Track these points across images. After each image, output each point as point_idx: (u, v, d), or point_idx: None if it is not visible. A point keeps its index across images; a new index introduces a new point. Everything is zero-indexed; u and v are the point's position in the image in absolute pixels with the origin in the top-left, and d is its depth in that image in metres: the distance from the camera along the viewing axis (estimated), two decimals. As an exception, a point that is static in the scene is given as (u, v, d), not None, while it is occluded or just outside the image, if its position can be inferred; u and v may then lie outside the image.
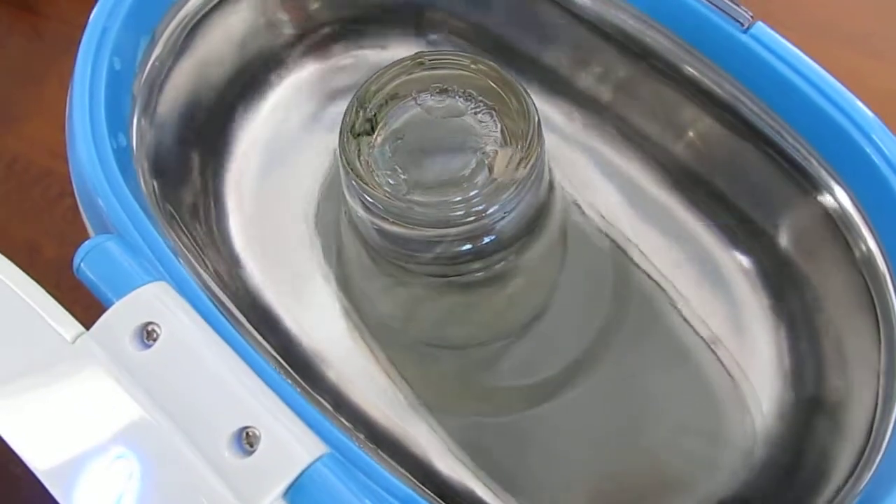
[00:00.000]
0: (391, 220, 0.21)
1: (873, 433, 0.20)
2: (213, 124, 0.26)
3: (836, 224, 0.22)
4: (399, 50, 0.26)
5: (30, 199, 0.31)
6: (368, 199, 0.21)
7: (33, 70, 0.34)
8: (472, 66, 0.22)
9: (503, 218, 0.22)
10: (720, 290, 0.25)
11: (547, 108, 0.27)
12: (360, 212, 0.22)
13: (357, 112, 0.22)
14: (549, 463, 0.23)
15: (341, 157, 0.21)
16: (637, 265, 0.25)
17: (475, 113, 0.22)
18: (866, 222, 0.21)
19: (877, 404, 0.20)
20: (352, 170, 0.21)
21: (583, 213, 0.26)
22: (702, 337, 0.24)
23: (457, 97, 0.22)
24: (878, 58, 0.33)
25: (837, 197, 0.22)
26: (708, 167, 0.25)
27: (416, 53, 0.22)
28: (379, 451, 0.22)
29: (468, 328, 0.26)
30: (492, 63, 0.22)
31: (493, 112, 0.22)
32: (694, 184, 0.25)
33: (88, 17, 0.22)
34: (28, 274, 0.18)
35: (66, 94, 0.21)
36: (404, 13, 0.27)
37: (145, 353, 0.17)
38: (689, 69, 0.23)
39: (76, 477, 0.16)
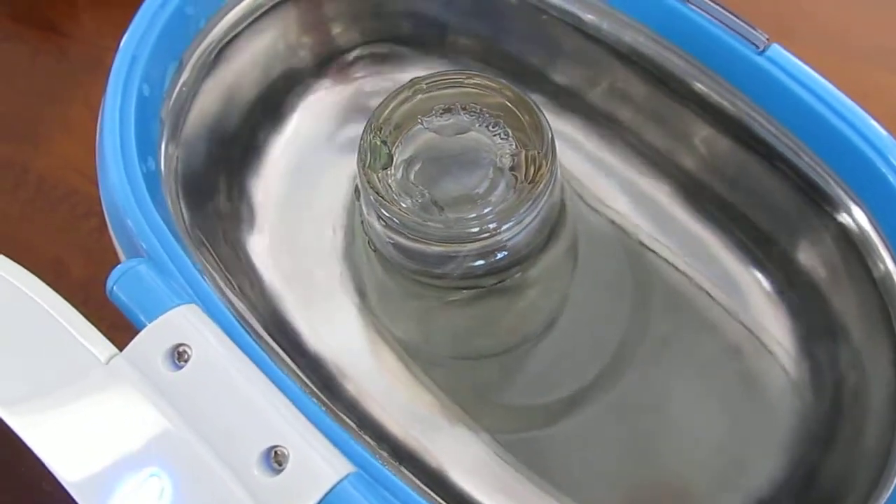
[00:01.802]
0: (407, 235, 0.22)
1: (891, 454, 0.20)
2: (239, 147, 0.26)
3: (854, 243, 0.22)
4: (421, 72, 0.27)
5: (57, 217, 0.32)
6: (385, 213, 0.22)
7: (59, 91, 0.34)
8: (468, 80, 0.23)
9: (516, 235, 0.22)
10: (740, 307, 0.25)
11: (562, 125, 0.27)
12: (378, 227, 0.23)
13: (371, 148, 0.22)
14: (571, 479, 0.23)
15: (362, 180, 0.22)
16: (654, 281, 0.25)
17: (487, 126, 0.22)
18: (884, 241, 0.21)
19: (894, 428, 0.20)
20: (373, 190, 0.21)
21: (600, 222, 0.26)
22: (721, 353, 0.24)
23: (461, 113, 0.22)
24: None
25: (855, 216, 0.22)
26: (724, 185, 0.25)
27: (411, 81, 0.23)
28: (402, 468, 0.22)
29: (485, 340, 0.26)
30: (495, 78, 0.22)
31: (501, 122, 0.22)
32: (710, 201, 0.26)
33: (114, 39, 0.22)
34: (55, 291, 0.19)
35: (92, 114, 0.22)
36: (426, 37, 0.28)
37: (177, 373, 0.17)
38: (704, 89, 0.24)
39: (109, 494, 0.17)
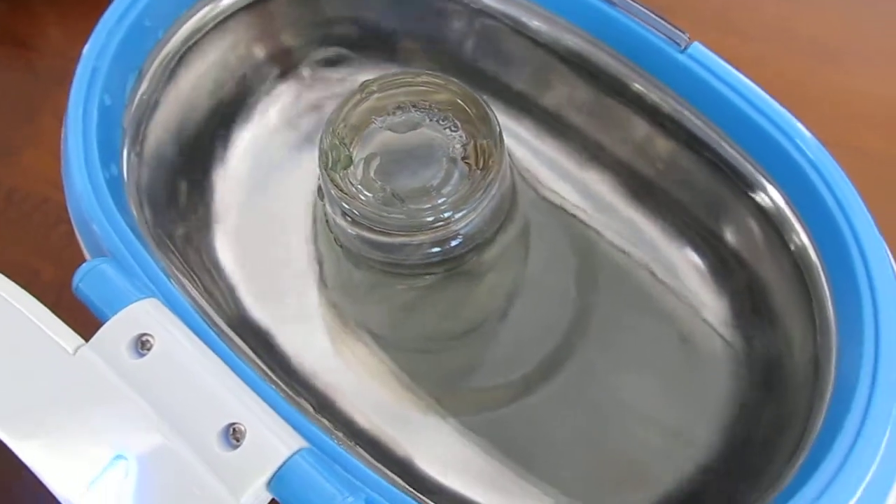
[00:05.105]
0: (370, 227, 0.23)
1: (811, 417, 0.21)
2: (199, 153, 0.27)
3: (772, 221, 0.24)
4: (372, 75, 0.28)
5: (29, 226, 0.32)
6: (348, 207, 0.23)
7: (29, 103, 0.35)
8: (416, 79, 0.24)
9: (469, 223, 0.23)
10: (678, 287, 0.26)
11: (512, 124, 0.28)
12: (342, 222, 0.24)
13: (331, 148, 0.23)
14: (532, 458, 0.24)
15: (325, 180, 0.23)
16: (599, 264, 0.27)
17: (437, 121, 0.24)
18: (798, 218, 0.23)
19: (813, 391, 0.22)
20: (336, 188, 0.23)
21: (550, 210, 0.28)
22: (662, 330, 0.26)
23: (412, 111, 0.24)
24: (834, 63, 0.34)
25: (772, 196, 0.24)
26: (660, 174, 0.27)
27: (362, 84, 0.24)
28: (358, 448, 0.24)
29: (448, 323, 0.27)
30: (443, 75, 0.24)
31: (450, 115, 0.24)
32: (648, 191, 0.27)
33: (80, 52, 0.23)
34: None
35: (61, 125, 0.23)
36: (374, 43, 0.29)
37: (140, 361, 0.18)
38: (637, 86, 0.25)
39: (80, 477, 0.18)
